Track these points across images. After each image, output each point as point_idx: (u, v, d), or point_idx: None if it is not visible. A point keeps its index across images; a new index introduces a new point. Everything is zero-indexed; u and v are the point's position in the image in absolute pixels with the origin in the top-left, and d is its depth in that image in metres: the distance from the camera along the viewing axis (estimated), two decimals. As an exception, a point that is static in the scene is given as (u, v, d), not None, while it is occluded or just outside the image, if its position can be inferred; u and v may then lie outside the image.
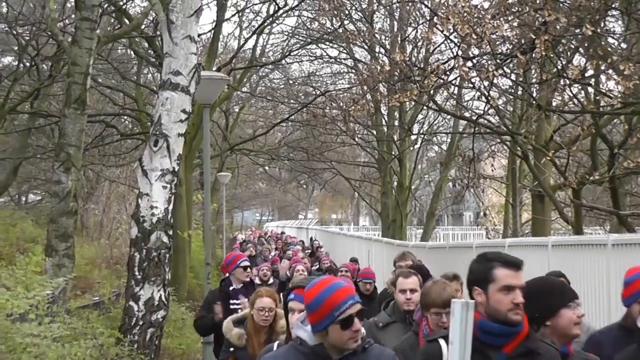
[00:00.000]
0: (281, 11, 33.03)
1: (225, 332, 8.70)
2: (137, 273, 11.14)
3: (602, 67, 17.41)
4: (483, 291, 5.01)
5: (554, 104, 21.08)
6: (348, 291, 4.86)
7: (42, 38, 27.13)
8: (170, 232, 11.57)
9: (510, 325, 4.88)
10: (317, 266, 21.82)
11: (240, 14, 36.57)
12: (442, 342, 5.26)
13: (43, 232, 19.20)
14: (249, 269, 11.92)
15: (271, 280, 17.39)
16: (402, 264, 10.84)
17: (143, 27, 26.37)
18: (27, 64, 28.16)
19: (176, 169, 11.65)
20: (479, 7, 17.96)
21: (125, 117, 35.33)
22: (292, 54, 38.59)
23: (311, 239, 46.14)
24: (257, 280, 16.94)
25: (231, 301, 11.29)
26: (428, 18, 27.83)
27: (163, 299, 11.28)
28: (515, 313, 4.88)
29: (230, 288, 11.52)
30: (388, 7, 37.35)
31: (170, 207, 11.58)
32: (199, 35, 14.49)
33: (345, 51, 41.52)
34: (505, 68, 18.15)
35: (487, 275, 5.04)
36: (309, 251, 31.66)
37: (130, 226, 11.84)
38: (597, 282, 12.16)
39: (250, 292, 10.04)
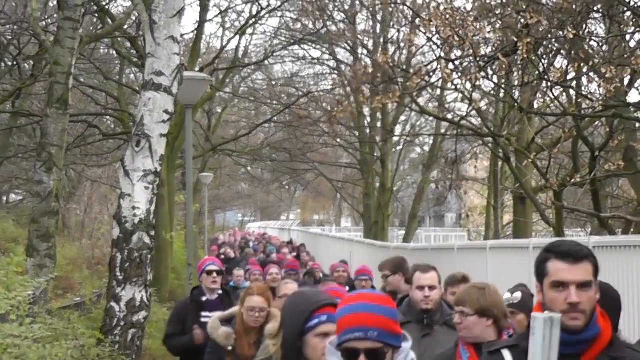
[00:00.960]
0: (264, 12, 33.04)
1: (211, 332, 7.96)
2: (118, 274, 11.13)
3: (584, 70, 17.50)
4: (540, 287, 4.20)
5: (535, 106, 21.15)
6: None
7: (24, 37, 27.04)
8: (152, 233, 11.56)
9: (567, 332, 3.94)
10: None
11: (223, 15, 36.50)
12: (505, 353, 4.34)
13: (24, 232, 19.16)
14: (215, 275, 9.97)
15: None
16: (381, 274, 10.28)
17: (126, 27, 26.30)
18: (9, 63, 28.08)
19: (158, 170, 11.64)
20: (461, 9, 18.01)
21: (108, 117, 35.21)
22: (274, 54, 38.61)
23: (291, 240, 46.02)
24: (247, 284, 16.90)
25: (202, 313, 9.64)
26: (410, 20, 27.91)
27: (145, 299, 11.26)
28: (571, 317, 3.97)
29: (203, 298, 9.90)
30: (371, 9, 37.44)
31: (153, 208, 11.57)
32: (181, 36, 14.47)
33: (327, 52, 41.59)
34: (487, 70, 18.19)
35: (542, 268, 4.24)
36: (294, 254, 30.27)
37: (112, 227, 11.81)
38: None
39: (227, 305, 9.30)
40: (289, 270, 16.16)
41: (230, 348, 7.77)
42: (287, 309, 4.54)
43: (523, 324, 6.43)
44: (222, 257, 25.66)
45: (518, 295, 7.01)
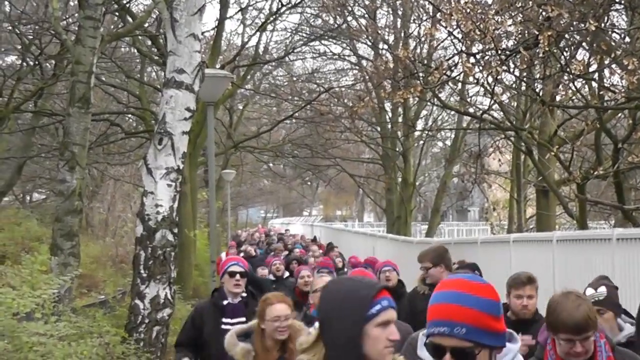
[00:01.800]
0: (284, 8, 33.03)
1: (228, 348, 7.02)
2: (142, 271, 11.15)
3: (606, 62, 17.42)
4: None
5: (557, 99, 21.07)
6: None
7: (45, 37, 27.12)
8: (176, 230, 11.57)
9: None
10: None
11: (243, 11, 36.57)
12: None
13: (48, 231, 19.25)
14: (239, 277, 9.00)
15: (286, 274, 16.75)
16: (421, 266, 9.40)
17: (146, 25, 26.39)
18: (31, 63, 28.15)
19: (181, 167, 11.66)
20: (482, 2, 17.97)
21: (130, 116, 35.31)
22: (295, 50, 38.55)
23: (315, 237, 45.82)
24: (271, 277, 16.70)
25: (223, 319, 8.78)
26: (431, 14, 27.86)
27: (169, 296, 11.28)
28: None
29: (224, 302, 8.97)
30: (391, 4, 37.39)
31: (175, 205, 11.58)
32: (202, 33, 14.49)
33: (348, 48, 41.56)
34: (509, 64, 18.14)
35: None
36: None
37: (135, 224, 11.84)
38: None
39: (251, 310, 8.30)
40: (322, 269, 14.32)
41: None
42: (338, 297, 3.74)
43: (611, 323, 6.13)
44: (242, 254, 25.31)
45: (603, 290, 6.31)
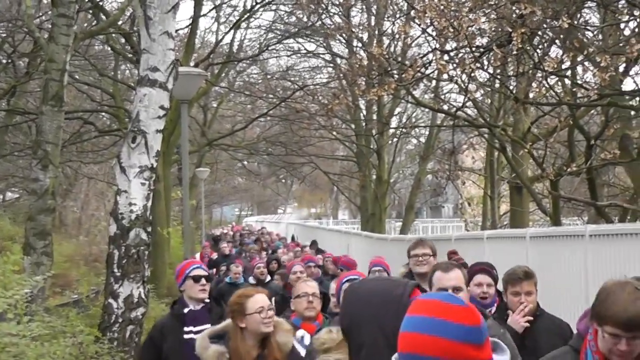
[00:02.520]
0: (258, 5, 33.04)
1: (199, 352, 6.48)
2: (116, 270, 11.10)
3: (579, 59, 17.50)
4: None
5: (531, 96, 21.14)
6: None
7: (18, 35, 27.05)
8: (149, 229, 11.53)
9: None
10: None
11: (217, 9, 36.51)
12: None
13: (21, 230, 19.16)
14: (204, 281, 8.23)
15: (268, 279, 16.32)
16: (418, 252, 8.59)
17: (120, 23, 26.28)
18: (4, 61, 28.06)
19: (154, 166, 11.61)
20: (455, 0, 18.00)
21: (103, 114, 35.22)
22: (269, 48, 38.56)
23: (292, 237, 45.67)
24: (250, 280, 16.52)
25: (185, 328, 8.01)
26: (405, 12, 27.88)
27: (142, 296, 11.24)
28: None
29: (185, 310, 8.16)
30: (365, 1, 37.42)
31: (149, 204, 11.53)
32: (176, 31, 14.44)
33: (322, 45, 41.58)
34: (482, 61, 18.19)
35: None
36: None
37: (109, 223, 11.79)
38: (575, 272, 12.22)
39: (216, 316, 7.89)
40: (309, 262, 15.07)
41: None
42: (371, 297, 3.38)
43: None
44: (215, 255, 25.00)
45: None
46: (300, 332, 7.41)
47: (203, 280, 8.22)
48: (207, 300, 8.29)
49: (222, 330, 6.61)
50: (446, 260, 6.77)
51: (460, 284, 5.92)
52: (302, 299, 7.74)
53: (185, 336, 7.83)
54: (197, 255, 21.68)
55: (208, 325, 7.34)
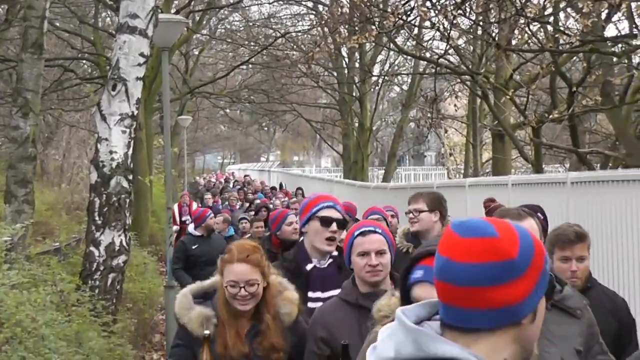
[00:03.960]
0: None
1: (179, 314, 5.16)
2: (97, 218, 11.11)
3: (561, 5, 17.46)
4: None
5: (513, 43, 21.11)
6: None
7: (-4, -18, 26.75)
8: (130, 177, 11.53)
9: None
10: None
11: (198, -45, 36.24)
12: None
13: (2, 178, 19.10)
14: (335, 227, 6.04)
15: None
16: (410, 208, 7.70)
17: (99, -31, 26.05)
18: (-18, 9, 27.80)
19: (135, 113, 11.58)
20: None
21: (84, 62, 35.00)
22: (251, -5, 38.36)
23: (281, 184, 45.36)
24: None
25: (311, 293, 6.04)
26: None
27: (124, 243, 11.25)
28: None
29: (308, 266, 6.11)
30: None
31: (130, 152, 11.52)
32: (155, -22, 14.31)
33: (305, -8, 41.38)
34: (464, 8, 18.12)
35: None
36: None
37: (89, 171, 11.77)
38: (557, 219, 12.24)
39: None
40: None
41: (207, 333, 5.04)
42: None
43: None
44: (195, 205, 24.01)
45: None
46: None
47: (334, 226, 6.11)
48: (336, 254, 6.18)
49: (211, 288, 5.26)
50: (516, 207, 5.18)
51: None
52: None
53: (310, 304, 5.83)
54: (175, 205, 21.42)
55: (338, 291, 5.42)
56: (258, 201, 23.90)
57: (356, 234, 5.11)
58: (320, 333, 4.98)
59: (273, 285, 5.15)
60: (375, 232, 5.07)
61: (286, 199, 25.05)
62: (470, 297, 2.19)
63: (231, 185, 42.07)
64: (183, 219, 21.81)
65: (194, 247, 13.52)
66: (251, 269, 4.98)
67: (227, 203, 24.65)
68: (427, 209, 7.51)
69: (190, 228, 14.21)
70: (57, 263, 11.47)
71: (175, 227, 19.33)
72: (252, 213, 17.20)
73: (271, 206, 19.03)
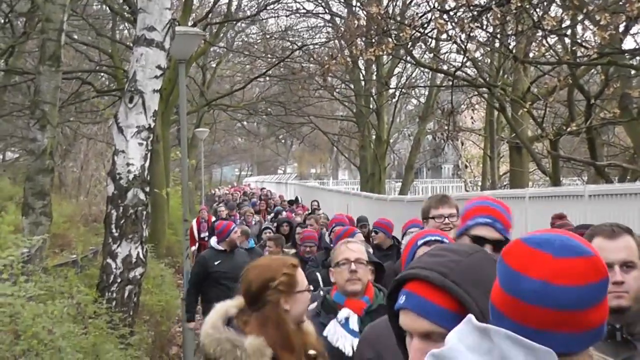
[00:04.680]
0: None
1: (207, 344, 4.37)
2: (114, 230, 11.11)
3: (579, 18, 17.41)
4: None
5: (530, 55, 21.08)
6: None
7: (15, -6, 26.88)
8: (147, 189, 11.53)
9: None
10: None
11: (215, -32, 36.30)
12: None
13: (21, 190, 19.17)
14: None
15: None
16: (444, 212, 6.69)
17: (117, -18, 26.15)
18: (1, 21, 27.92)
19: (152, 126, 11.59)
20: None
21: (102, 74, 35.15)
22: (268, 8, 38.39)
23: (296, 198, 45.30)
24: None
25: None
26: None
27: (141, 256, 11.25)
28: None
29: None
30: (364, -40, 37.21)
31: (147, 164, 11.52)
32: (173, -10, 14.37)
33: (321, 5, 41.40)
34: (481, 20, 18.10)
35: None
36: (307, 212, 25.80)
37: (107, 183, 11.78)
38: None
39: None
40: (307, 242, 12.77)
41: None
42: None
43: None
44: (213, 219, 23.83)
45: None
46: (344, 312, 5.58)
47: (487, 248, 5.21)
48: None
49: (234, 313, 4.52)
50: (608, 222, 4.20)
51: (633, 257, 3.94)
52: (343, 268, 5.62)
53: None
54: (194, 221, 21.36)
55: None
56: (284, 214, 24.01)
57: (420, 243, 4.64)
58: (367, 354, 4.42)
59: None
60: (442, 242, 4.54)
61: (302, 212, 25.06)
62: (571, 320, 2.09)
63: (250, 200, 41.69)
64: (202, 235, 21.78)
65: (216, 264, 12.48)
66: None
67: (242, 218, 24.34)
68: (457, 214, 6.61)
69: (213, 242, 13.10)
70: (74, 275, 11.49)
71: (193, 248, 19.21)
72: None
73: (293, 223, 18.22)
